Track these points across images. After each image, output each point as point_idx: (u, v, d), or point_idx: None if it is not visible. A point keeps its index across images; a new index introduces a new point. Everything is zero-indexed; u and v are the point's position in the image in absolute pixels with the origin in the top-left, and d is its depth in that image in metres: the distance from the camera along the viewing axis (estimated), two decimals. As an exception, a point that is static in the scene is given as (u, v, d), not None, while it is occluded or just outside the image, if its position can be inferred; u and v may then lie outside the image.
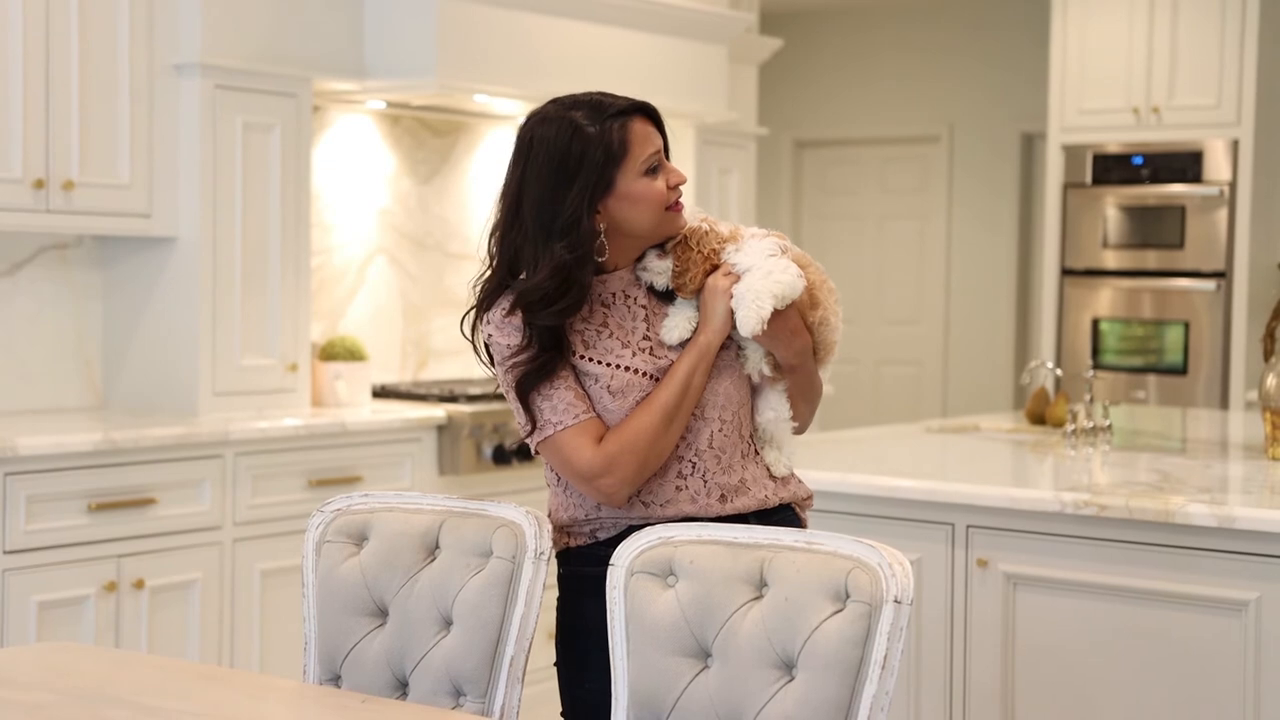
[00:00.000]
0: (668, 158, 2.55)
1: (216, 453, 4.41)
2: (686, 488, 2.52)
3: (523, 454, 5.09)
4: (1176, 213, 6.85)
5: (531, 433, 2.50)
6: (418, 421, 4.93)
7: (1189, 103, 6.80)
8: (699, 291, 2.53)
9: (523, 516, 2.46)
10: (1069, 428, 4.24)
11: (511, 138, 2.57)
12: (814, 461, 3.73)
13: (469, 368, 5.72)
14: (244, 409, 4.68)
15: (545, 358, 2.46)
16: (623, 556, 2.33)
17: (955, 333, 9.14)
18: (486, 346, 2.54)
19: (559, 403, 2.47)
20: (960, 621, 3.50)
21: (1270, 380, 3.81)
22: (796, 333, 2.55)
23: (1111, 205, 7.00)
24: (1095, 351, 7.03)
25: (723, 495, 2.53)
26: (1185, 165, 6.83)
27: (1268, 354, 3.95)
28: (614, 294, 2.55)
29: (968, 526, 3.48)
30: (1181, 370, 6.87)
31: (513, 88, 5.17)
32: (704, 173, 6.18)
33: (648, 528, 2.36)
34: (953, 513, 3.49)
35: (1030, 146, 8.91)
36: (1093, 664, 3.33)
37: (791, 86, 9.39)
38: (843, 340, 2.67)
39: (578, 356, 2.50)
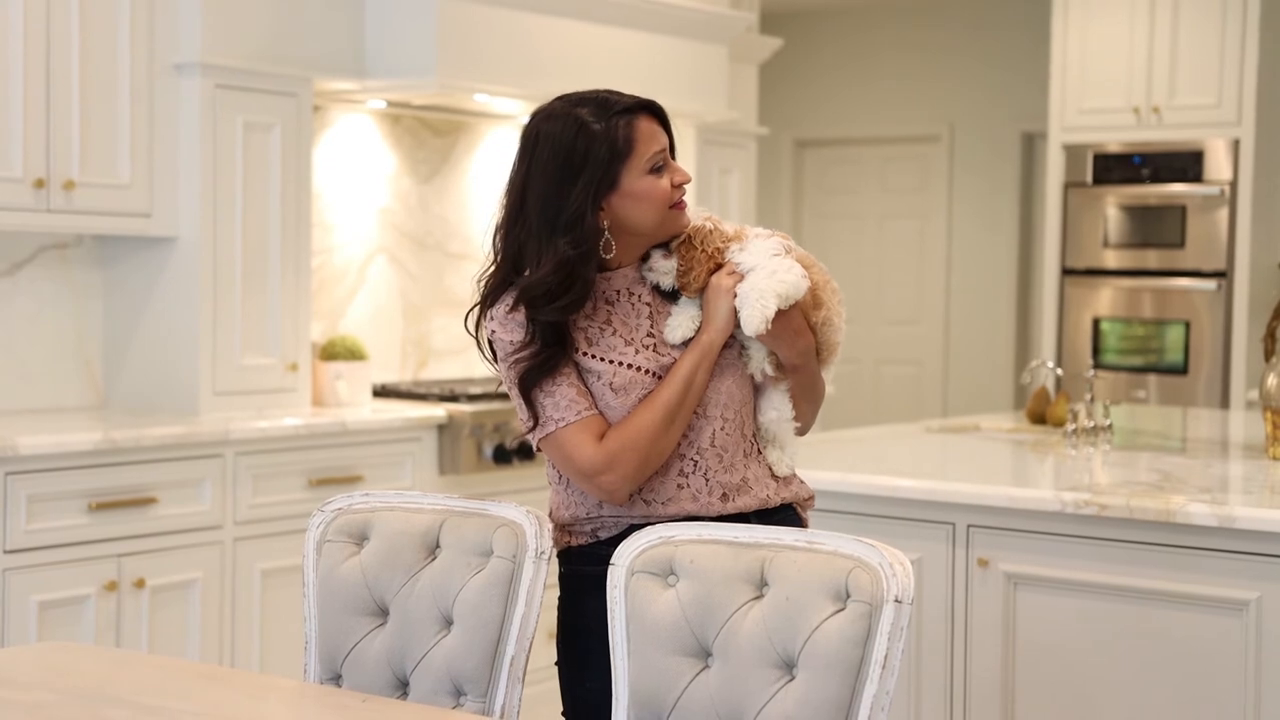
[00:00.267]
0: (673, 157, 2.55)
1: (217, 452, 4.41)
2: (688, 486, 2.52)
3: (523, 453, 5.09)
4: (1177, 212, 6.85)
5: (533, 429, 2.50)
6: (418, 421, 4.93)
7: (1190, 102, 6.80)
8: (703, 290, 2.53)
9: (523, 516, 2.46)
10: (1069, 427, 4.24)
11: (512, 137, 2.57)
12: (814, 461, 3.73)
13: (469, 367, 5.72)
14: (244, 408, 4.68)
15: (548, 354, 2.46)
16: (623, 556, 2.33)
17: (955, 332, 9.14)
18: (490, 343, 2.54)
19: (561, 399, 2.47)
20: (961, 621, 3.50)
21: (1271, 380, 3.81)
22: (800, 333, 2.55)
23: (1112, 205, 7.00)
24: (1096, 351, 7.03)
25: (724, 494, 2.53)
26: (1186, 165, 6.82)
27: (1268, 354, 3.95)
28: (618, 291, 2.55)
29: (968, 526, 3.48)
30: (1182, 370, 6.87)
31: (513, 87, 5.17)
32: (704, 172, 6.18)
33: (648, 527, 2.36)
34: (953, 512, 3.49)
35: (1031, 146, 8.91)
36: (1093, 663, 3.33)
37: (792, 86, 9.39)
38: (844, 341, 2.67)
39: (580, 353, 2.50)
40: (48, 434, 4.09)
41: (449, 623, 2.45)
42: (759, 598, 2.22)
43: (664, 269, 2.55)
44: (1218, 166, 6.76)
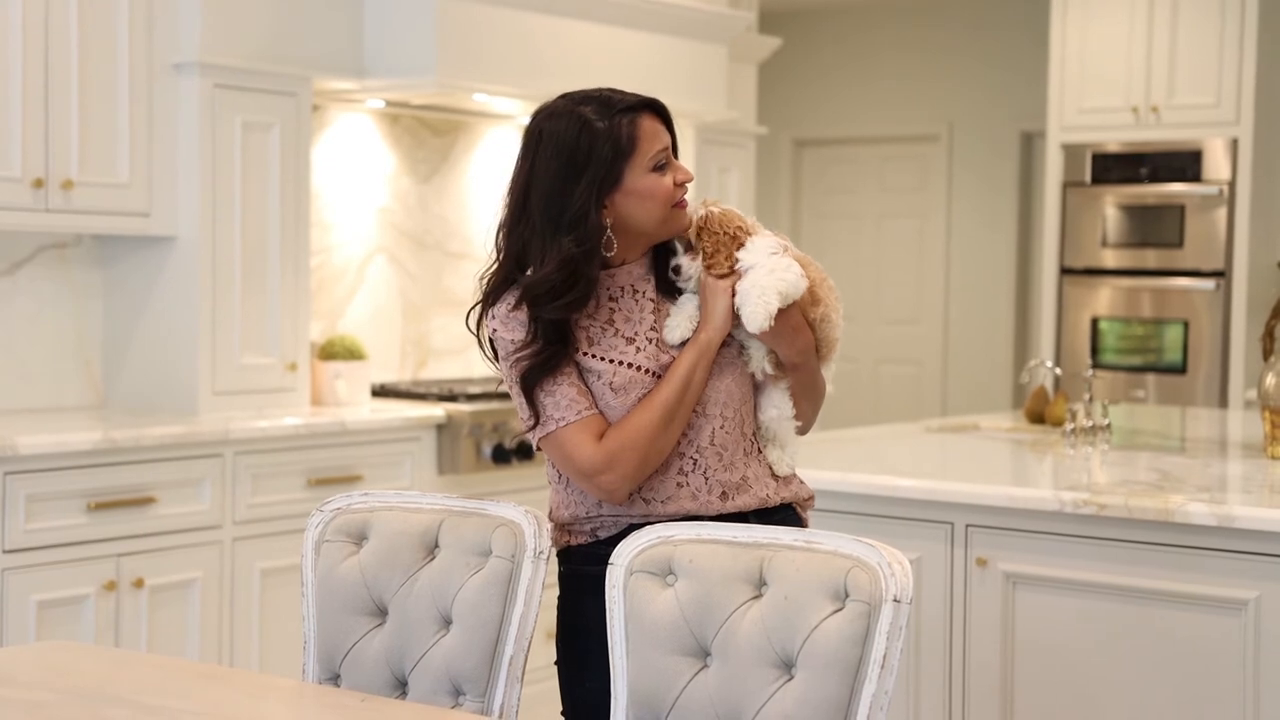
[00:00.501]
0: (676, 156, 2.56)
1: (216, 452, 4.41)
2: (688, 485, 2.52)
3: (522, 453, 5.09)
4: (1176, 212, 6.85)
5: (534, 428, 2.50)
6: (417, 421, 4.93)
7: (1188, 102, 6.80)
8: (727, 275, 2.52)
9: (522, 516, 2.46)
10: (1068, 427, 4.24)
11: (511, 137, 2.58)
12: (814, 461, 3.72)
13: (469, 367, 5.72)
14: (244, 408, 4.68)
15: (550, 352, 2.47)
16: (622, 555, 2.33)
17: (954, 332, 9.14)
18: (491, 341, 2.54)
19: (562, 399, 2.47)
20: (960, 620, 3.50)
21: (1269, 379, 3.81)
22: (799, 330, 2.56)
23: (1111, 204, 7.00)
24: (1094, 351, 7.03)
25: (724, 493, 2.53)
26: (1185, 164, 6.83)
27: (1267, 353, 3.95)
28: (622, 288, 2.55)
29: (967, 526, 3.48)
30: (1181, 369, 6.87)
31: (512, 87, 5.17)
32: (703, 172, 6.18)
33: (647, 527, 2.36)
34: (952, 512, 3.49)
35: (1030, 145, 8.91)
36: (1092, 663, 3.33)
37: (791, 85, 9.40)
38: (843, 339, 2.68)
39: (581, 353, 2.50)
40: (47, 434, 4.09)
41: (448, 622, 2.45)
42: (758, 597, 2.22)
43: (692, 270, 2.54)
44: (1216, 166, 6.76)
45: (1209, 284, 6.77)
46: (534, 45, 5.24)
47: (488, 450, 5.03)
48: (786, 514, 2.61)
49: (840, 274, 2.66)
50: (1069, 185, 7.10)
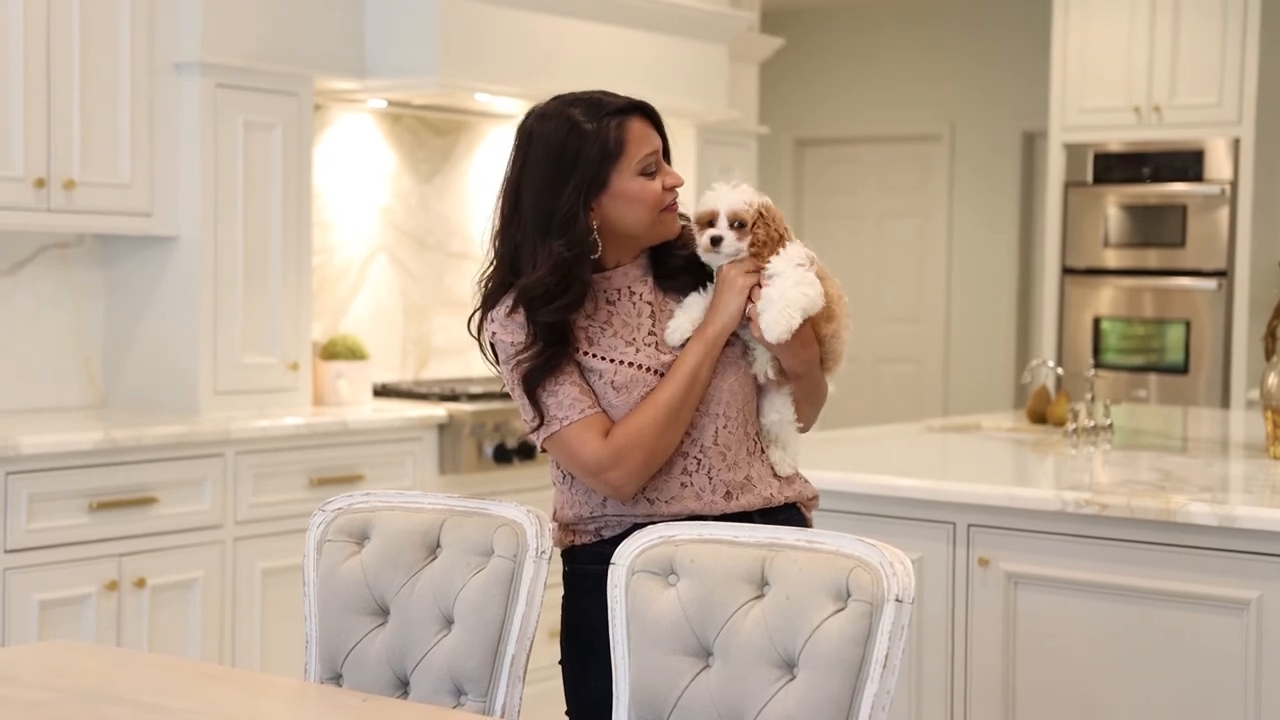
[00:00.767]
0: (667, 160, 2.55)
1: (218, 451, 4.41)
2: (692, 484, 2.52)
3: (524, 453, 5.09)
4: (1178, 212, 6.85)
5: (538, 429, 2.50)
6: (419, 420, 4.93)
7: (1190, 101, 6.80)
8: (752, 273, 2.51)
9: (524, 515, 2.46)
10: (1070, 427, 4.24)
11: (512, 137, 2.57)
12: (815, 460, 3.72)
13: (470, 366, 5.72)
14: (245, 408, 4.68)
15: (550, 353, 2.47)
16: (624, 555, 2.33)
17: (956, 331, 9.14)
18: (492, 345, 2.54)
19: (564, 398, 2.47)
20: (961, 620, 3.50)
21: (1271, 379, 3.81)
22: (806, 344, 2.55)
23: (1113, 204, 7.00)
24: (1096, 350, 7.03)
25: (728, 492, 2.53)
26: (1186, 164, 6.82)
27: (1269, 353, 3.94)
28: (618, 290, 2.55)
29: (969, 525, 3.48)
30: (1183, 369, 6.87)
31: (514, 87, 5.17)
32: (704, 171, 6.18)
33: (649, 527, 2.36)
34: (954, 512, 3.49)
35: (1031, 145, 8.91)
36: (1094, 663, 3.33)
37: (792, 85, 9.39)
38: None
39: (581, 353, 2.50)
40: (48, 433, 4.09)
41: (450, 622, 2.45)
42: (760, 597, 2.22)
43: (733, 249, 2.52)
44: (1218, 166, 6.75)
45: (1211, 284, 6.77)
46: (535, 45, 5.24)
47: (489, 450, 5.03)
48: (791, 514, 2.61)
49: (841, 273, 2.64)
50: (1071, 185, 7.09)
